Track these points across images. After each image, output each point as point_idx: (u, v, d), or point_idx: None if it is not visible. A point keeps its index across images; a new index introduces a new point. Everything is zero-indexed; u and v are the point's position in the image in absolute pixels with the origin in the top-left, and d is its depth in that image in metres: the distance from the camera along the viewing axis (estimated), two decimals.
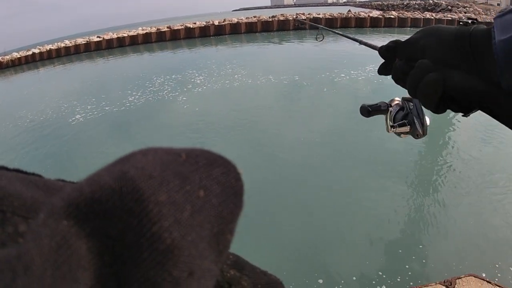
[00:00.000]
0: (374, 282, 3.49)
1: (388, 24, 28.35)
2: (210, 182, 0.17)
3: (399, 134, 0.85)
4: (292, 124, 8.11)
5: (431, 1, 47.26)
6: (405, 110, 0.85)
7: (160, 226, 0.14)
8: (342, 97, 9.97)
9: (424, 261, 3.77)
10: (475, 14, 30.55)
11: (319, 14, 30.33)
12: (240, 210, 0.18)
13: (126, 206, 0.15)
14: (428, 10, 38.48)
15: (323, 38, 2.37)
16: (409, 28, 27.42)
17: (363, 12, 32.39)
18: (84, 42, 29.44)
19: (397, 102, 0.89)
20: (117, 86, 13.84)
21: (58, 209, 0.14)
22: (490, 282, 2.90)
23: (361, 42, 1.25)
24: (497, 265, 3.61)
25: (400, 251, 3.90)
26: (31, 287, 0.13)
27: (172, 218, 0.15)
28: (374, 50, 0.94)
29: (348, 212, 4.59)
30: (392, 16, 28.72)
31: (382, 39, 22.72)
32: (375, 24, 28.56)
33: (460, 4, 38.93)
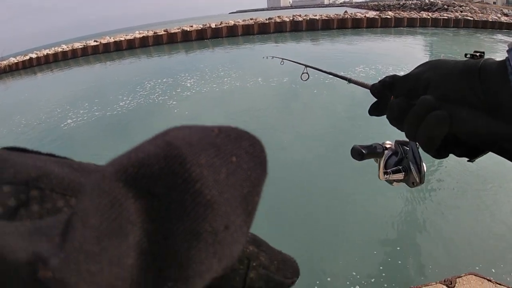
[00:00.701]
0: (374, 282, 3.49)
1: (385, 24, 28.43)
2: (240, 151, 0.18)
3: (391, 182, 0.78)
4: (282, 126, 8.15)
5: (427, 1, 47.43)
6: (399, 155, 0.77)
7: (202, 184, 0.16)
8: (332, 98, 9.96)
9: (424, 260, 3.77)
10: (471, 13, 30.61)
11: (316, 15, 30.37)
12: (265, 176, 0.20)
13: (171, 168, 0.16)
14: (424, 10, 38.58)
15: (308, 78, 2.10)
16: (405, 28, 27.49)
17: (360, 13, 32.50)
18: (81, 47, 29.42)
19: (389, 145, 0.81)
20: (110, 90, 13.85)
21: (109, 173, 0.16)
22: (490, 281, 2.90)
23: (350, 81, 1.10)
24: (497, 264, 3.62)
25: (400, 251, 3.90)
26: (88, 236, 0.14)
27: (211, 178, 0.17)
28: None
29: (348, 212, 4.60)
30: (388, 17, 28.80)
31: (379, 40, 22.83)
32: (371, 24, 28.63)
33: (456, 3, 39.06)
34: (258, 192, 0.19)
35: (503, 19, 27.40)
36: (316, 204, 4.86)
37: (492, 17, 28.21)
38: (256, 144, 0.20)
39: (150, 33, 30.24)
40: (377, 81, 0.64)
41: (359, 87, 0.84)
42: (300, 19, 29.39)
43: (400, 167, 0.75)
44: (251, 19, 31.07)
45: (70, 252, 0.14)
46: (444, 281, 2.90)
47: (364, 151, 0.77)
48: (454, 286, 2.85)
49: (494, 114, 0.46)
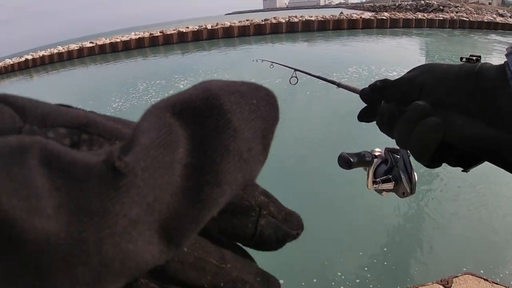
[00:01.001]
0: (370, 282, 3.48)
1: (380, 25, 28.49)
2: (259, 97, 0.22)
3: (380, 191, 0.74)
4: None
5: (422, 2, 47.58)
6: (389, 163, 0.73)
7: (231, 115, 0.20)
8: (324, 100, 9.96)
9: (420, 260, 3.77)
10: (466, 14, 30.74)
11: (312, 16, 30.41)
12: (278, 120, 0.24)
13: (209, 103, 0.20)
14: (419, 11, 38.72)
15: (297, 81, 2.07)
16: (401, 29, 27.56)
17: (355, 14, 32.62)
18: (77, 48, 29.33)
19: (378, 153, 0.77)
20: (104, 92, 13.89)
21: (160, 106, 0.20)
22: (487, 280, 2.90)
23: (339, 85, 1.03)
24: (493, 263, 3.62)
25: (396, 251, 3.90)
26: (149, 144, 0.18)
27: (238, 111, 0.21)
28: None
29: (343, 213, 4.59)
30: (384, 17, 28.88)
31: (374, 41, 22.88)
32: (367, 25, 28.67)
33: (452, 4, 39.24)
34: (272, 131, 0.23)
35: (498, 19, 27.53)
36: (310, 205, 4.85)
37: (487, 17, 28.33)
38: (270, 94, 0.24)
39: (146, 35, 30.19)
40: (367, 85, 0.61)
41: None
42: (296, 20, 29.42)
43: (390, 176, 0.71)
44: (247, 20, 31.09)
45: (137, 153, 0.17)
46: (441, 281, 2.90)
47: (352, 160, 0.73)
48: (451, 286, 2.85)
49: (492, 121, 0.44)
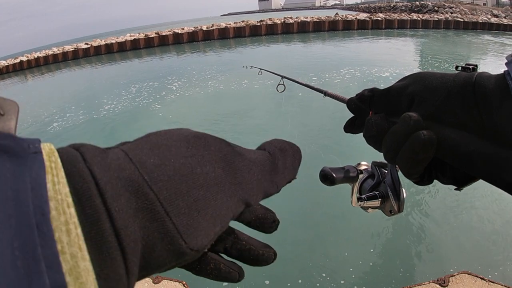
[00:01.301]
0: (367, 281, 3.47)
1: (376, 26, 28.61)
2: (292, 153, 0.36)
3: (366, 208, 0.68)
4: (260, 129, 8.17)
5: (417, 3, 47.71)
6: (376, 178, 0.68)
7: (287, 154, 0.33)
8: (315, 106, 9.97)
9: (417, 260, 3.77)
10: (461, 14, 30.86)
11: (307, 17, 30.45)
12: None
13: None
14: (414, 12, 38.85)
15: (284, 89, 1.99)
16: (396, 30, 27.66)
17: (351, 15, 32.67)
18: (72, 49, 29.27)
19: (365, 167, 0.71)
20: (97, 94, 13.88)
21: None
22: (483, 279, 2.90)
23: (326, 94, 1.00)
24: (489, 262, 3.62)
25: (393, 251, 3.89)
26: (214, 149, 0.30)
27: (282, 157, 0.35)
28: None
29: (338, 214, 4.58)
30: (379, 18, 28.99)
31: (369, 42, 22.93)
32: (362, 26, 28.79)
33: (447, 4, 39.34)
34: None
35: (493, 20, 27.69)
36: (308, 203, 4.84)
37: (482, 18, 28.47)
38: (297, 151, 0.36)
39: (141, 36, 30.15)
40: (359, 87, 0.57)
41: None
42: (291, 21, 29.47)
43: (377, 192, 0.65)
44: (242, 21, 31.10)
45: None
46: (437, 280, 2.89)
47: (335, 175, 0.66)
48: (447, 285, 2.84)
49: (491, 138, 0.40)
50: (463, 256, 3.75)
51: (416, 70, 12.98)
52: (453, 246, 3.92)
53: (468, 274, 2.95)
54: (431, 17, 29.50)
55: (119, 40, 29.92)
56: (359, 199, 0.65)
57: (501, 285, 2.86)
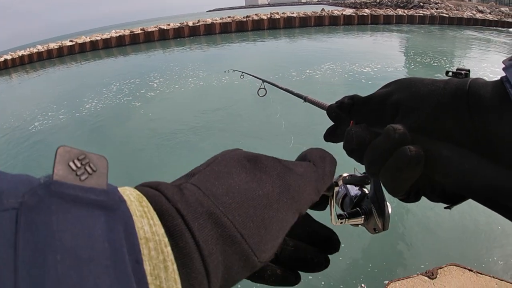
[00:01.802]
0: (355, 275, 3.46)
1: (361, 21, 28.73)
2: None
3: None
4: (231, 129, 8.15)
5: None
6: (359, 193, 0.60)
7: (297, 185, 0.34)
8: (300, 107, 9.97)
9: (405, 253, 3.77)
10: (446, 10, 31.10)
11: (293, 13, 30.43)
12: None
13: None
14: (400, 7, 39.04)
15: (265, 93, 1.91)
16: (381, 25, 27.78)
17: (337, 11, 32.71)
18: (56, 47, 28.86)
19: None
20: (79, 92, 13.69)
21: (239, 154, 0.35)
22: (471, 270, 2.90)
23: (305, 99, 0.96)
24: (477, 254, 3.64)
25: (380, 244, 3.89)
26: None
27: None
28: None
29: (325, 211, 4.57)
30: (365, 14, 29.09)
31: (354, 37, 23.00)
32: (348, 22, 28.90)
33: (432, 0, 39.58)
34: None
35: (478, 15, 27.99)
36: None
37: (467, 14, 28.77)
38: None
39: (127, 32, 29.87)
40: (335, 102, 0.52)
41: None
42: (277, 16, 29.44)
43: (359, 209, 0.58)
44: (228, 17, 30.99)
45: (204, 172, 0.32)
46: (426, 272, 2.88)
47: None
48: (436, 277, 2.84)
49: (488, 155, 0.35)
50: (451, 249, 3.76)
51: (397, 65, 13.29)
52: (440, 240, 3.93)
53: (456, 266, 2.95)
54: (416, 13, 29.70)
55: (104, 37, 29.59)
56: (339, 216, 0.57)
57: (489, 276, 2.87)
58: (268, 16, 29.69)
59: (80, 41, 29.25)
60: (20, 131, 9.79)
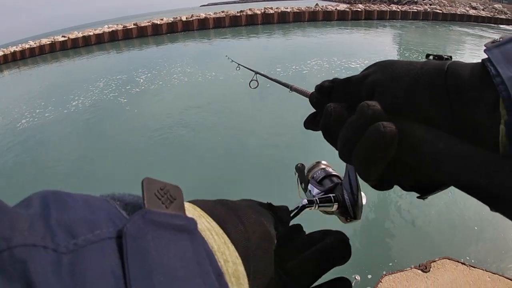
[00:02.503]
0: (348, 268, 3.47)
1: (355, 17, 28.70)
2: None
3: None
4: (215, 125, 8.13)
5: None
6: (334, 180, 0.60)
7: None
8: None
9: (398, 246, 3.78)
10: (440, 6, 31.14)
11: (287, 8, 30.35)
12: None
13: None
14: (394, 3, 39.03)
15: (257, 85, 1.89)
16: (375, 21, 27.78)
17: (330, 6, 32.64)
18: (49, 42, 28.55)
19: (323, 166, 0.64)
20: (67, 88, 13.61)
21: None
22: (464, 264, 2.91)
23: (291, 88, 0.98)
24: (470, 248, 3.65)
25: (374, 237, 3.90)
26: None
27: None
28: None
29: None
30: (359, 9, 29.05)
31: (346, 32, 22.99)
32: (342, 17, 28.85)
33: None
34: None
35: (471, 12, 28.05)
36: (292, 193, 4.82)
37: (460, 10, 28.81)
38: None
39: (120, 27, 29.66)
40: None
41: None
42: (271, 11, 29.34)
43: (332, 195, 0.56)
44: (222, 11, 30.85)
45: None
46: (419, 265, 2.89)
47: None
48: (429, 270, 2.85)
49: (465, 137, 0.33)
50: (444, 242, 3.77)
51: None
52: (433, 233, 3.94)
53: (449, 259, 2.96)
54: (410, 8, 29.70)
55: (97, 32, 29.37)
56: (309, 201, 0.55)
57: (481, 269, 2.88)
58: (262, 11, 29.59)
59: (72, 36, 29.00)
60: (9, 129, 9.79)
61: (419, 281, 2.80)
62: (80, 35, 29.14)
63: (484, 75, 0.33)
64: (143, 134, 7.99)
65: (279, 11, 29.56)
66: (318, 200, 0.56)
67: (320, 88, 0.48)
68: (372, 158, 0.36)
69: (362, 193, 0.53)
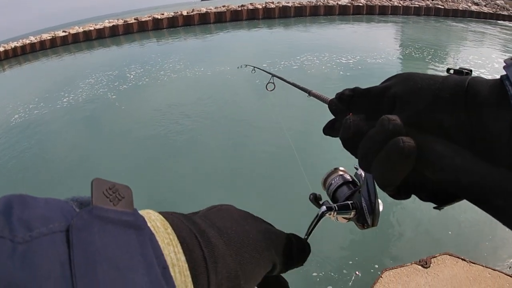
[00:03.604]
0: (350, 263, 3.47)
1: (357, 11, 28.61)
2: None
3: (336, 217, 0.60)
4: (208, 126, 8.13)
5: None
6: (352, 186, 0.62)
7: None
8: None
9: (399, 242, 3.78)
10: (442, 1, 31.01)
11: (288, 2, 30.26)
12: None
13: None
14: None
15: (274, 88, 1.87)
16: (377, 16, 27.69)
17: (332, 0, 32.52)
18: (49, 38, 28.49)
19: (341, 173, 0.65)
20: (60, 84, 13.69)
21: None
22: (464, 260, 2.91)
23: (310, 93, 0.97)
24: (470, 244, 3.65)
25: (375, 233, 3.90)
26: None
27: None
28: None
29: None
30: (360, 4, 28.95)
31: (343, 27, 22.90)
32: (343, 12, 28.77)
33: None
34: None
35: (473, 8, 27.92)
36: (292, 189, 4.82)
37: (462, 6, 28.68)
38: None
39: (120, 22, 29.59)
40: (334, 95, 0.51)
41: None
42: (272, 6, 29.24)
43: (350, 202, 0.58)
44: (223, 6, 30.75)
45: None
46: (420, 261, 2.89)
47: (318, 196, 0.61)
48: (430, 266, 2.85)
49: (483, 153, 0.34)
50: (444, 238, 3.78)
51: (377, 56, 13.22)
52: (434, 229, 3.94)
53: (449, 255, 2.96)
54: (412, 3, 29.57)
55: (98, 27, 29.30)
56: (328, 208, 0.57)
57: (481, 265, 2.88)
58: (263, 5, 29.49)
59: (73, 31, 28.94)
60: (1, 125, 9.89)
61: (420, 276, 2.80)
62: (80, 30, 29.08)
63: (502, 93, 0.33)
64: (132, 128, 8.04)
65: (280, 5, 29.46)
66: (336, 207, 0.57)
67: (340, 96, 0.49)
68: (390, 171, 0.37)
69: (379, 200, 0.55)
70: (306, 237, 0.56)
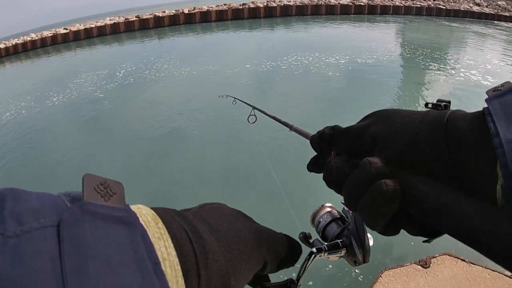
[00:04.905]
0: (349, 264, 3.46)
1: (358, 11, 28.58)
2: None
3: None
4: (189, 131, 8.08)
5: None
6: (341, 223, 0.61)
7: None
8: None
9: (399, 242, 3.77)
10: (443, 2, 30.98)
11: (290, 1, 30.22)
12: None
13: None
14: None
15: (255, 120, 1.87)
16: (378, 16, 27.65)
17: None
18: (50, 35, 28.45)
19: (328, 209, 0.64)
20: (53, 84, 13.67)
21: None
22: (464, 260, 2.91)
23: (291, 128, 0.97)
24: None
25: (373, 233, 3.88)
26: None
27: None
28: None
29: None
30: (362, 4, 28.91)
31: (352, 26, 22.87)
32: (345, 11, 28.73)
33: None
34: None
35: (475, 8, 27.90)
36: (292, 186, 4.82)
37: (464, 6, 28.64)
38: None
39: (122, 20, 29.56)
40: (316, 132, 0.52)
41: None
42: (274, 5, 29.22)
43: (340, 240, 0.57)
44: (224, 4, 30.72)
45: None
46: (419, 261, 2.89)
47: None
48: (429, 266, 2.84)
49: (465, 188, 0.34)
50: (444, 238, 3.77)
51: (367, 56, 13.20)
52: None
53: (449, 255, 2.96)
54: (413, 4, 29.54)
55: (99, 24, 29.28)
56: (318, 250, 0.57)
57: (481, 266, 2.87)
58: (265, 4, 29.46)
59: (74, 29, 28.91)
60: None
61: (419, 276, 2.80)
62: (81, 27, 29.05)
63: (483, 129, 0.33)
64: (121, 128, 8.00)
65: (282, 4, 29.43)
66: (326, 247, 0.57)
67: (321, 135, 0.50)
68: (376, 213, 0.38)
69: (369, 235, 0.55)
70: (296, 281, 0.55)
